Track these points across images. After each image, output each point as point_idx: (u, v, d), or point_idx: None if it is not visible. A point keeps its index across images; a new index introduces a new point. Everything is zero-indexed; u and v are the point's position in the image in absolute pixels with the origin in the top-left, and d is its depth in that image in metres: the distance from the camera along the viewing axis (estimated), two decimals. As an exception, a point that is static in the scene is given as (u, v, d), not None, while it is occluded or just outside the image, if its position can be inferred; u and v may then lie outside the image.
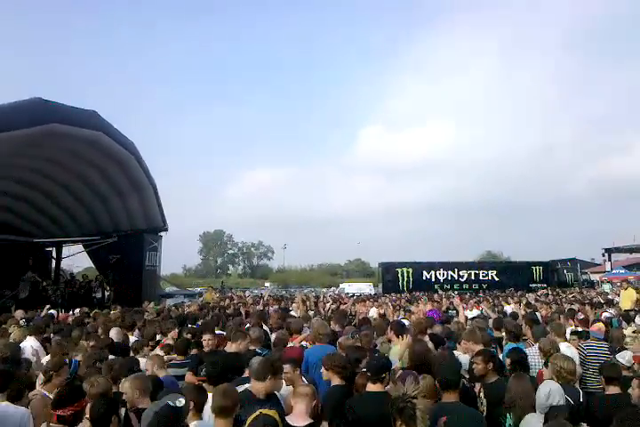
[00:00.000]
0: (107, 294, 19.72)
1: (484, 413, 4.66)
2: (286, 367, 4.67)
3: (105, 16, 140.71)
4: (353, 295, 28.46)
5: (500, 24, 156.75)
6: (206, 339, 6.49)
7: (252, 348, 6.32)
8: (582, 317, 9.38)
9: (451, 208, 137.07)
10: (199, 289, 38.54)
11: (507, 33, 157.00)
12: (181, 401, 3.11)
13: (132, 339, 7.76)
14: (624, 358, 5.53)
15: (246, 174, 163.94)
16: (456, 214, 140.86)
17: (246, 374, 4.75)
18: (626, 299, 14.37)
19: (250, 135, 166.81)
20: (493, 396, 4.72)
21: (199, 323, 9.17)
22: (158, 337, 7.82)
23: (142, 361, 5.80)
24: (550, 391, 4.15)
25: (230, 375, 4.84)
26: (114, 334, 7.62)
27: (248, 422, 3.14)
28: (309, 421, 3.86)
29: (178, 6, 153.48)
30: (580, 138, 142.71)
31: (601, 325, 8.19)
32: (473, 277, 38.07)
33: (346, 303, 16.67)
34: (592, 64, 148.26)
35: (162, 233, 22.49)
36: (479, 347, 6.06)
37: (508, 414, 4.25)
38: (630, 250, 45.58)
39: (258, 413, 3.19)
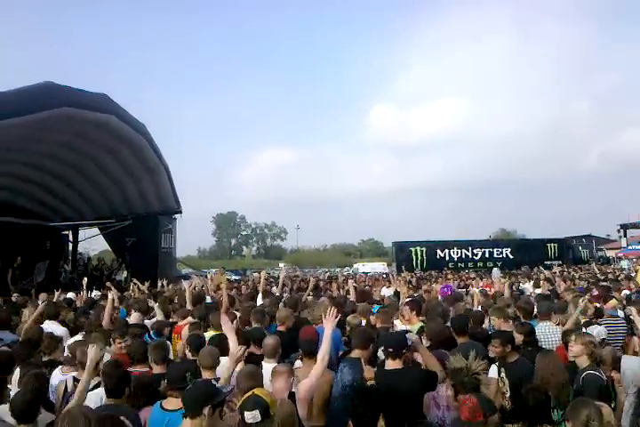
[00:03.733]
0: (124, 276, 19.99)
1: (508, 392, 4.70)
2: None
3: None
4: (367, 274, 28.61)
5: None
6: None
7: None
8: (596, 293, 9.26)
9: (464, 186, 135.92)
10: (214, 271, 38.85)
11: (520, 3, 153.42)
12: (227, 387, 3.30)
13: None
14: (593, 331, 5.56)
15: (258, 155, 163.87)
16: (470, 192, 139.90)
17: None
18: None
19: (261, 116, 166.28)
20: (515, 376, 4.74)
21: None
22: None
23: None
24: None
25: None
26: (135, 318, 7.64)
27: (240, 402, 3.21)
28: (286, 394, 3.93)
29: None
30: (594, 112, 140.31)
31: (615, 302, 8.13)
32: (487, 256, 37.79)
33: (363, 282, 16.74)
34: (607, 34, 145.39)
35: (176, 215, 22.66)
36: (507, 324, 6.08)
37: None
38: (646, 225, 45.24)
39: (250, 393, 3.23)
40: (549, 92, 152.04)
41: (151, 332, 5.78)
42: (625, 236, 43.40)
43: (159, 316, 7.58)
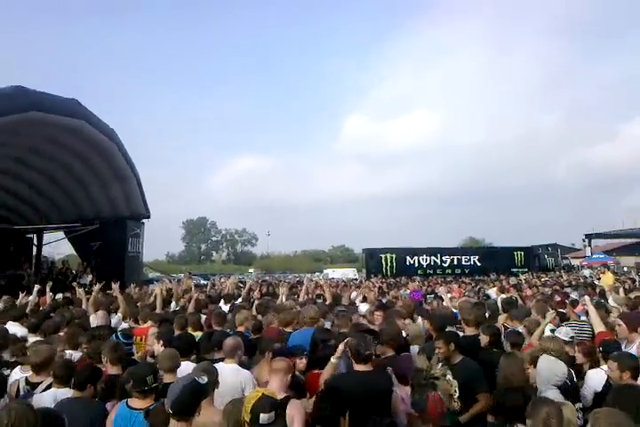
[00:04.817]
0: (88, 280, 19.63)
1: (457, 394, 4.73)
2: None
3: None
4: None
5: (486, 9, 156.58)
6: None
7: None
8: (559, 299, 9.51)
9: (434, 194, 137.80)
10: (183, 275, 38.49)
11: (493, 18, 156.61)
12: (204, 378, 3.20)
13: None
14: (560, 332, 5.76)
15: (230, 161, 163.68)
16: (439, 200, 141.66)
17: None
18: (604, 284, 14.61)
19: (233, 122, 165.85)
20: (461, 376, 4.73)
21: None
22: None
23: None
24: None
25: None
26: (100, 316, 7.50)
27: (250, 401, 3.14)
28: (282, 395, 3.89)
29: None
30: (564, 124, 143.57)
31: (580, 307, 8.33)
32: (455, 263, 38.15)
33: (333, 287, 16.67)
34: (578, 51, 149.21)
35: (144, 220, 22.37)
36: (470, 329, 6.17)
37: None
38: (610, 235, 46.31)
39: (260, 394, 3.18)
40: (521, 105, 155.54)
41: (119, 333, 5.63)
42: (589, 245, 44.30)
43: (99, 320, 7.43)
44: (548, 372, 4.36)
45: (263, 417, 3.02)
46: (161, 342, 5.23)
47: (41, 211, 22.38)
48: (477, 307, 7.57)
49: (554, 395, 4.05)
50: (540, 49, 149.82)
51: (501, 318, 7.59)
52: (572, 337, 5.74)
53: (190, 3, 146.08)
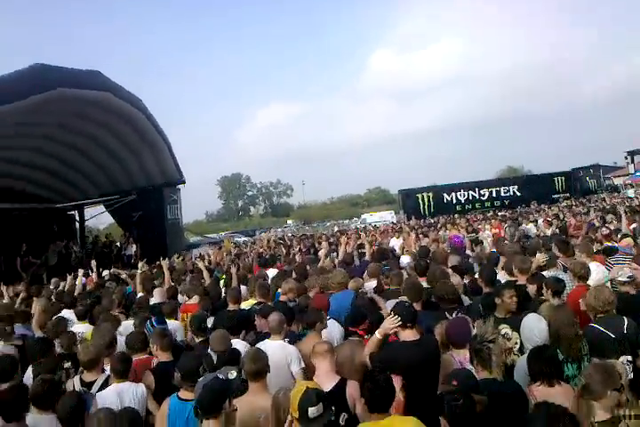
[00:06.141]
0: (133, 250, 20.05)
1: (518, 346, 4.57)
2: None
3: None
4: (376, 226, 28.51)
5: None
6: None
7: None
8: (607, 232, 9.10)
9: (468, 126, 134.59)
10: (223, 234, 39.07)
11: None
12: (233, 373, 3.14)
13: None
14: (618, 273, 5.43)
15: (255, 113, 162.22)
16: (474, 131, 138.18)
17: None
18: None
19: (257, 72, 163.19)
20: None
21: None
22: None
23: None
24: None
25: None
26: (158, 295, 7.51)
27: (296, 397, 3.04)
28: (336, 379, 3.85)
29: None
30: (595, 39, 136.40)
31: (630, 240, 7.92)
32: (494, 195, 37.50)
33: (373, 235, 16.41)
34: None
35: (179, 186, 22.54)
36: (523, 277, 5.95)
37: (557, 349, 4.04)
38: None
39: (304, 388, 3.08)
40: (550, 23, 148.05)
41: (153, 319, 5.58)
42: (632, 162, 42.63)
43: (157, 298, 7.46)
44: (529, 332, 4.28)
45: (312, 411, 2.93)
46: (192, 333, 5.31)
47: (79, 187, 22.78)
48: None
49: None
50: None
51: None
52: (629, 277, 5.25)
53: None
